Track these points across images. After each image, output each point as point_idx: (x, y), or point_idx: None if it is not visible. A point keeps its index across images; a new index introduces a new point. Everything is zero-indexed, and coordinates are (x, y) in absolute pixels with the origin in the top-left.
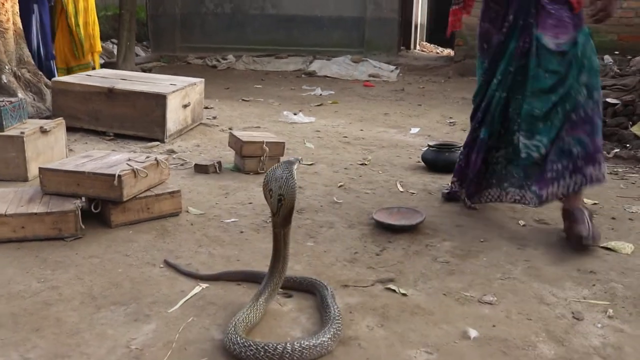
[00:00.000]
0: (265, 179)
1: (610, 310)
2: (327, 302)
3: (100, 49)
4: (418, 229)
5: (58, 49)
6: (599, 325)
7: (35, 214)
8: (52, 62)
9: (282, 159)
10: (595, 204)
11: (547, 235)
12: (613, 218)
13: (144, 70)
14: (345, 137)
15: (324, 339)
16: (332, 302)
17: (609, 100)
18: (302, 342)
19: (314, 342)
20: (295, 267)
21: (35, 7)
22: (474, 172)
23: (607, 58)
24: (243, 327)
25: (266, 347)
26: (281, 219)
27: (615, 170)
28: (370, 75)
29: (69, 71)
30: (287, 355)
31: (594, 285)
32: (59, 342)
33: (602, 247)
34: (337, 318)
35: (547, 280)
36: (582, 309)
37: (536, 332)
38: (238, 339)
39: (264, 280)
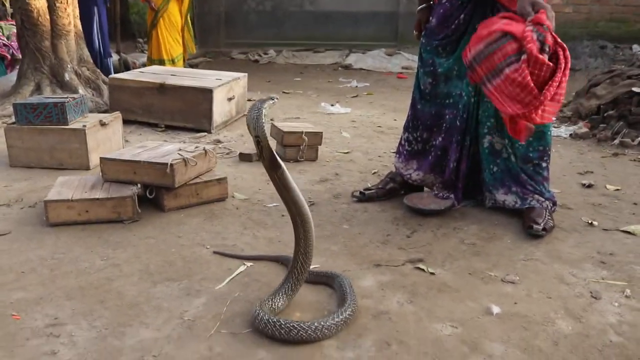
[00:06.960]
0: (246, 122)
1: (628, 291)
2: (345, 291)
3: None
4: (447, 213)
5: (163, 43)
6: (616, 304)
7: (98, 199)
8: (109, 59)
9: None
10: (617, 189)
11: (569, 218)
12: (635, 203)
13: (191, 66)
14: (380, 126)
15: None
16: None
17: (634, 89)
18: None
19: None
20: (332, 248)
21: (96, 10)
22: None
23: (636, 47)
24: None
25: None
26: (267, 161)
27: (639, 157)
28: (403, 68)
29: (172, 62)
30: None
31: (612, 266)
32: (121, 312)
33: (622, 231)
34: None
35: (568, 262)
36: (600, 289)
37: (555, 309)
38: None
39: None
